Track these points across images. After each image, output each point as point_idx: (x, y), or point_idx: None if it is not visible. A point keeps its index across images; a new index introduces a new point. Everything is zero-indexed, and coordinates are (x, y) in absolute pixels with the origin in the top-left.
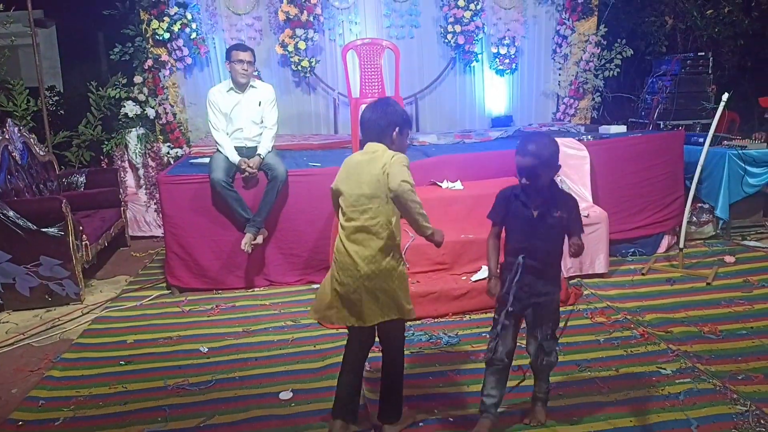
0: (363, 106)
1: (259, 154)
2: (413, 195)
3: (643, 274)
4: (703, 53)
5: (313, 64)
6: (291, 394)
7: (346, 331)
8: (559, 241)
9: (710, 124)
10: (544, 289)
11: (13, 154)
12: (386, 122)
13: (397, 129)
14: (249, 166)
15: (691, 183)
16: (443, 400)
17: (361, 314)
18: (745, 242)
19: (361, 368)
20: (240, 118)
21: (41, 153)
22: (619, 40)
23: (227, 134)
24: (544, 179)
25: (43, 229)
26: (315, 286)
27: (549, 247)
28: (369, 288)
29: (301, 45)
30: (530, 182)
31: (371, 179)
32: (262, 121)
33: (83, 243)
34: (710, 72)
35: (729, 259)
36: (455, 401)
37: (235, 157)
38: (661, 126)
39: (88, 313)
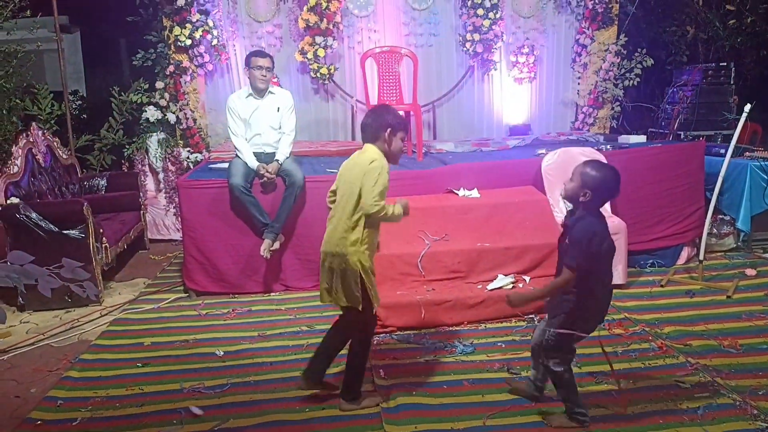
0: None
1: (278, 160)
2: (382, 213)
3: (662, 286)
4: (725, 63)
5: (332, 71)
6: (202, 412)
7: None
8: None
9: (731, 135)
10: (560, 300)
11: (37, 157)
12: (378, 124)
13: (389, 130)
14: (267, 172)
15: (711, 194)
16: (458, 410)
17: (320, 289)
18: (767, 255)
19: (331, 339)
20: (259, 124)
21: (64, 156)
22: (639, 50)
23: (246, 140)
24: (576, 202)
25: (65, 231)
26: None
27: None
28: (327, 267)
29: (321, 52)
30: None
31: (351, 177)
32: (280, 127)
33: (103, 245)
34: (732, 82)
35: (750, 272)
36: (470, 411)
37: (253, 163)
38: (682, 136)
39: (106, 314)
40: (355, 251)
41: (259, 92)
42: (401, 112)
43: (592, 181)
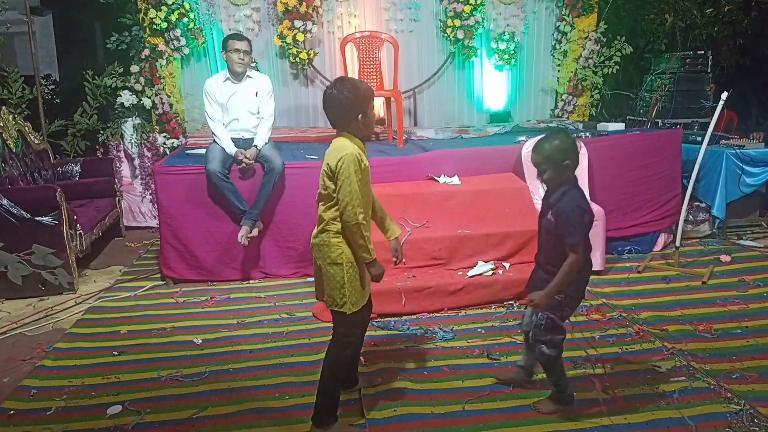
0: (326, 88)
1: (256, 146)
2: (359, 233)
3: (639, 272)
4: (703, 52)
5: (311, 56)
6: (120, 408)
7: None
8: (557, 245)
9: (708, 122)
10: (541, 284)
11: (8, 142)
12: (346, 113)
13: (360, 115)
14: (246, 158)
15: (688, 181)
16: (438, 395)
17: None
18: (741, 242)
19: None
20: (236, 109)
21: (36, 141)
22: (618, 38)
23: (224, 125)
24: (549, 176)
25: (37, 218)
26: (310, 278)
27: (548, 247)
28: (314, 258)
29: (300, 37)
30: (541, 179)
31: (325, 167)
32: (258, 112)
33: (77, 232)
34: (709, 71)
35: (725, 258)
36: (449, 396)
37: (231, 148)
38: (660, 124)
39: (81, 302)
40: (338, 243)
41: (237, 76)
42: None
43: (559, 153)
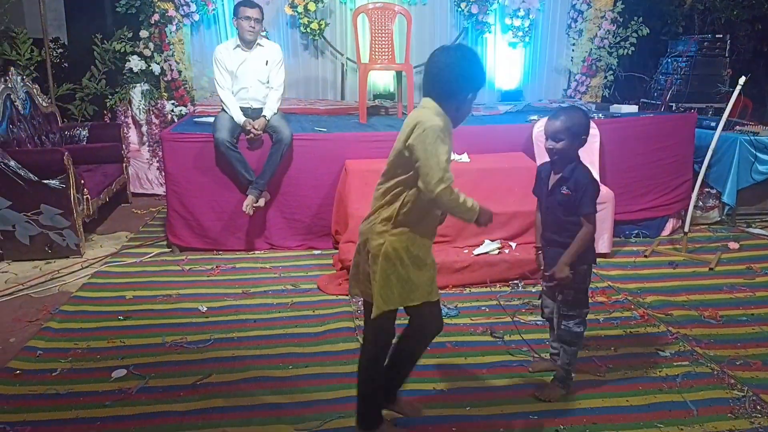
0: (441, 47)
1: (264, 116)
2: (451, 196)
3: (645, 256)
4: (721, 35)
5: (322, 26)
6: (124, 372)
7: (345, 297)
8: (572, 218)
9: (723, 108)
10: (549, 258)
11: (16, 103)
12: (462, 82)
13: (470, 95)
14: (254, 128)
15: (699, 167)
16: (441, 371)
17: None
18: (750, 229)
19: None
20: (246, 77)
21: (44, 104)
22: (635, 18)
23: (233, 93)
24: (563, 147)
25: (44, 181)
26: (316, 252)
27: (560, 222)
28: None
29: (311, 6)
30: (554, 148)
31: (399, 137)
32: (268, 81)
33: (84, 197)
34: (726, 55)
35: (733, 245)
36: (452, 372)
37: (240, 117)
38: (673, 108)
39: (87, 267)
40: (382, 233)
41: (247, 44)
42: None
43: (579, 127)
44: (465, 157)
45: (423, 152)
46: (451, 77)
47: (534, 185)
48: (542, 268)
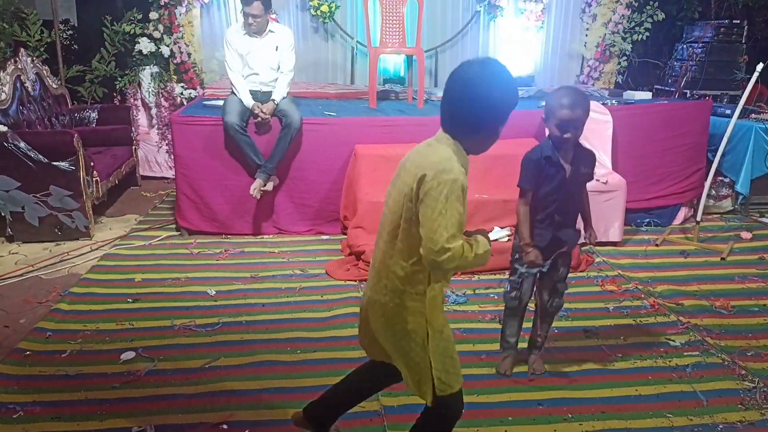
0: (461, 65)
1: (274, 100)
2: (452, 264)
3: (656, 245)
4: (738, 21)
5: (332, 9)
6: (133, 354)
7: (353, 282)
8: (581, 194)
9: (739, 95)
10: (566, 238)
11: (26, 84)
12: (495, 108)
13: (499, 125)
14: (262, 112)
15: (713, 155)
16: None
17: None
18: (763, 219)
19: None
20: (256, 62)
21: (54, 86)
22: (651, 3)
23: (243, 76)
24: (580, 133)
25: (54, 163)
26: (324, 237)
27: (577, 201)
28: (369, 321)
29: None
30: (575, 136)
31: (404, 182)
32: (279, 67)
33: (94, 179)
34: (743, 41)
35: (745, 235)
36: (460, 360)
37: (249, 101)
38: (688, 95)
39: (97, 249)
40: (415, 306)
41: (256, 32)
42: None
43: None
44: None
45: (431, 210)
46: (479, 110)
47: (527, 178)
48: (534, 259)
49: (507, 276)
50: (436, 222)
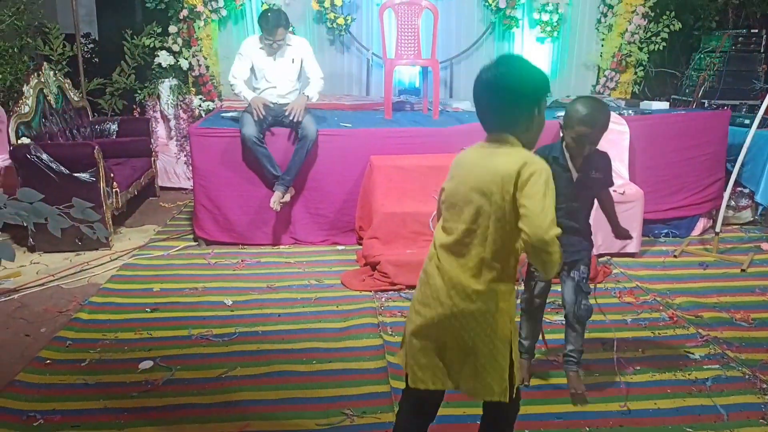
0: (486, 69)
1: (306, 94)
2: (554, 248)
3: (675, 257)
4: (756, 30)
5: (348, 21)
6: (151, 363)
7: (369, 293)
8: (592, 200)
9: (757, 105)
10: (581, 245)
11: (48, 97)
12: (528, 91)
13: (536, 107)
14: (294, 110)
15: (732, 165)
16: None
17: (421, 369)
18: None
19: None
20: (274, 76)
21: (76, 99)
22: (667, 13)
23: (260, 92)
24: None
25: (76, 174)
26: (340, 247)
27: (587, 206)
28: (444, 337)
29: (338, 1)
30: (590, 150)
31: (484, 185)
32: (298, 78)
33: (114, 190)
34: (762, 51)
35: (766, 246)
36: None
37: (249, 95)
38: (706, 105)
39: (116, 259)
40: (505, 307)
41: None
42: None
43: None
44: None
45: (535, 196)
46: (508, 97)
47: None
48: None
49: (517, 287)
50: (541, 205)
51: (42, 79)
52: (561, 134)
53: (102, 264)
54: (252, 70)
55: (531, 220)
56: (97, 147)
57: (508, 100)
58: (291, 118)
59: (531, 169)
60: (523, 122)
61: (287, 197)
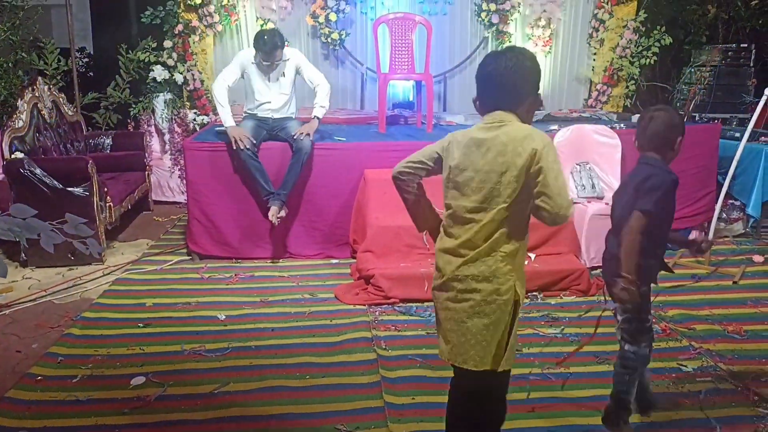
0: (490, 56)
1: (317, 117)
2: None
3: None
4: (746, 45)
5: (343, 36)
6: (143, 379)
7: (362, 307)
8: None
9: (748, 118)
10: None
11: (42, 112)
12: (531, 77)
13: (535, 96)
14: (304, 134)
15: (723, 178)
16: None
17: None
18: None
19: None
20: (269, 92)
21: (70, 113)
22: (658, 28)
23: (255, 106)
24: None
25: (69, 189)
26: (334, 261)
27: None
28: (452, 303)
29: (332, 17)
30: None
31: (493, 164)
32: (292, 89)
33: (107, 204)
34: (752, 65)
35: (757, 258)
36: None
37: (230, 122)
38: (697, 118)
39: (109, 274)
40: (511, 273)
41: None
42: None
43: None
44: None
45: (550, 171)
46: (520, 79)
47: (661, 202)
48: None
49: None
50: (560, 180)
51: (36, 94)
52: (655, 157)
53: (95, 279)
54: (246, 84)
55: (554, 201)
56: (90, 161)
57: (518, 83)
58: (296, 138)
59: (541, 143)
60: (526, 105)
61: (283, 212)
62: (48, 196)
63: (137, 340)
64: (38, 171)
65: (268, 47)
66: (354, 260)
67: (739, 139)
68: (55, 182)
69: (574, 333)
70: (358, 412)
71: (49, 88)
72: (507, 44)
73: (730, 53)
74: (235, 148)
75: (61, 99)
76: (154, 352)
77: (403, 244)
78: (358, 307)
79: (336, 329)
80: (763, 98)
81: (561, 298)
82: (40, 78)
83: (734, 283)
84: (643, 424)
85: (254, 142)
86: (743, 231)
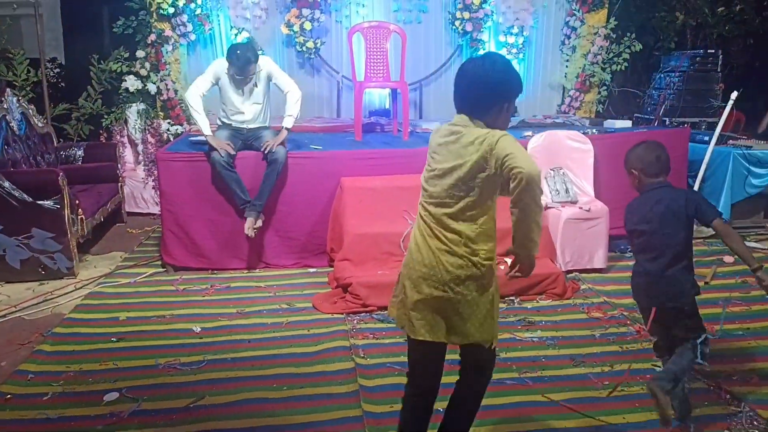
0: (469, 60)
1: (286, 128)
2: (539, 189)
3: None
4: (713, 51)
5: (318, 45)
6: (117, 395)
7: (340, 316)
8: None
9: (716, 122)
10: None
11: (11, 124)
12: (502, 88)
13: (507, 104)
14: (273, 145)
15: (694, 181)
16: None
17: (414, 321)
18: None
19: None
20: (242, 103)
21: (40, 125)
22: (628, 34)
23: (228, 115)
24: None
25: (39, 202)
26: (311, 270)
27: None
28: (434, 290)
29: (307, 25)
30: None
31: (462, 153)
32: (262, 101)
33: (79, 217)
34: (719, 70)
35: (728, 259)
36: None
37: (207, 130)
38: (667, 123)
39: (81, 288)
40: (487, 253)
41: None
42: None
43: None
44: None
45: (512, 152)
46: (485, 90)
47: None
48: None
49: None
50: (521, 154)
51: (4, 106)
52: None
53: (66, 293)
54: (220, 94)
55: (521, 160)
56: (61, 173)
57: (485, 92)
58: (267, 152)
59: (494, 136)
60: (494, 113)
61: (259, 222)
62: (18, 210)
63: (110, 355)
64: (7, 184)
65: (241, 62)
66: (331, 269)
67: (708, 143)
68: (25, 195)
69: (550, 336)
70: (336, 422)
71: (18, 100)
72: (482, 51)
73: (698, 59)
74: (221, 156)
75: (30, 110)
76: (128, 366)
77: (381, 251)
78: (335, 316)
79: (314, 339)
80: (730, 102)
81: (537, 302)
82: (8, 89)
83: (705, 283)
84: (619, 425)
85: (235, 152)
86: (714, 232)
